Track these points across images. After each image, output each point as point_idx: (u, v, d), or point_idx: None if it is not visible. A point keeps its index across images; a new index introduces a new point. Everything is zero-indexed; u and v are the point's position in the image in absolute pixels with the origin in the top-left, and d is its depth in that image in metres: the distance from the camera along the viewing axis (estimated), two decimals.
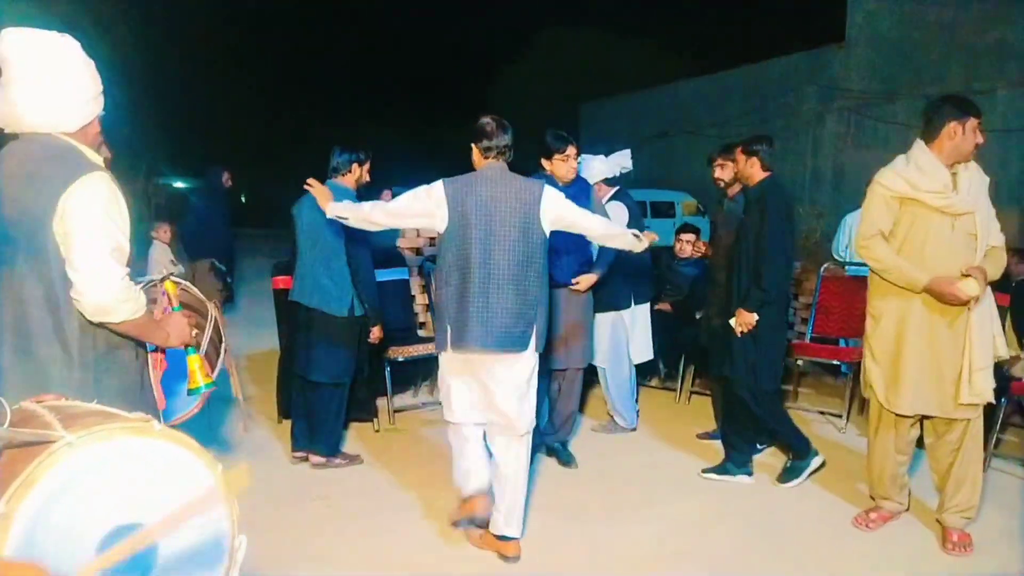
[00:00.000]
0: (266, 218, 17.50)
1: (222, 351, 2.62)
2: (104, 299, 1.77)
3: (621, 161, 4.32)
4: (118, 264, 1.80)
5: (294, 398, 3.94)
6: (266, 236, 14.66)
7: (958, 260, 2.93)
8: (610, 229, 3.17)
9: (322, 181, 3.85)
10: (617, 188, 4.34)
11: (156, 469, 1.07)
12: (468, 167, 3.00)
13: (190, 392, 2.12)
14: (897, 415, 3.12)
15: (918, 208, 2.98)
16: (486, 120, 2.94)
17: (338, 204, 3.05)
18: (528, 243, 2.85)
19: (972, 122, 2.93)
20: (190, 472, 1.10)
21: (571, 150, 3.78)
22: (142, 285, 2.05)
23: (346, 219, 3.04)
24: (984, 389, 2.94)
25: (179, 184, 22.18)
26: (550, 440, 4.10)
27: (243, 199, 24.78)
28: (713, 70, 20.26)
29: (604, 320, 4.35)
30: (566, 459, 4.02)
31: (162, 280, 2.21)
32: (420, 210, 2.91)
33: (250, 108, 28.59)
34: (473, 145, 2.96)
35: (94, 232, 1.77)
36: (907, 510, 3.32)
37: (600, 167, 4.27)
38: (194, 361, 2.10)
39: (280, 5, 29.56)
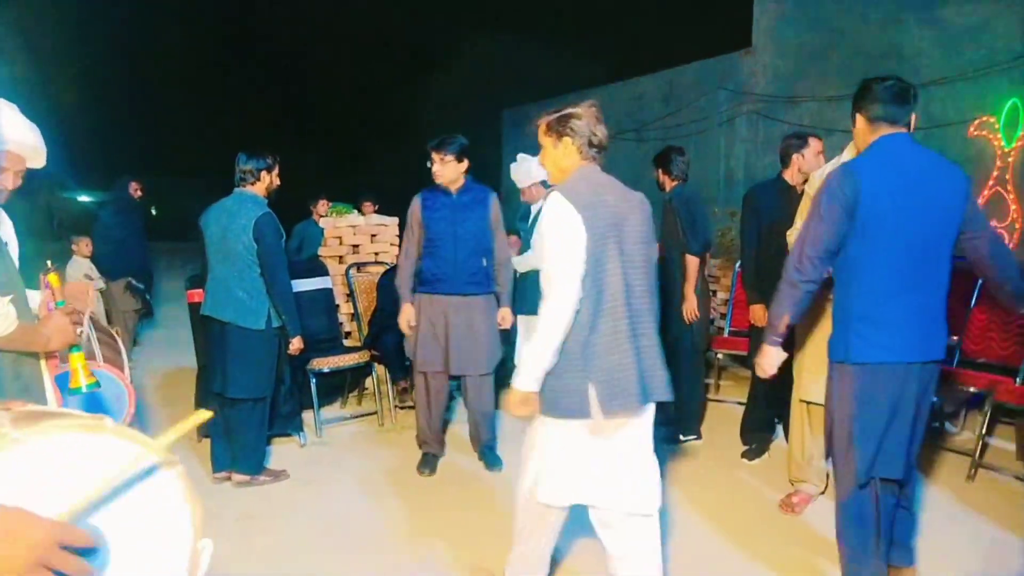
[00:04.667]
0: (180, 230, 16.87)
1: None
2: None
3: None
4: None
5: (212, 417, 3.79)
6: (181, 249, 14.09)
7: None
8: None
9: (229, 190, 3.72)
10: (551, 190, 4.37)
11: (108, 464, 1.02)
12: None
13: (72, 392, 1.96)
14: (802, 400, 3.31)
15: None
16: (587, 107, 2.30)
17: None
18: (653, 263, 2.32)
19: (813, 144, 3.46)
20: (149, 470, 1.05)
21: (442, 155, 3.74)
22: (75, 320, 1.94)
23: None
24: None
25: (85, 198, 21.04)
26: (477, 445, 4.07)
27: (153, 211, 23.77)
28: (629, 75, 20.76)
29: (526, 322, 4.39)
30: (492, 461, 3.96)
31: (45, 273, 2.05)
32: (584, 251, 2.14)
33: (159, 117, 27.51)
34: (567, 139, 2.29)
35: None
36: (823, 492, 3.47)
37: (537, 169, 4.27)
38: (77, 360, 1.94)
39: (187, 13, 28.55)
